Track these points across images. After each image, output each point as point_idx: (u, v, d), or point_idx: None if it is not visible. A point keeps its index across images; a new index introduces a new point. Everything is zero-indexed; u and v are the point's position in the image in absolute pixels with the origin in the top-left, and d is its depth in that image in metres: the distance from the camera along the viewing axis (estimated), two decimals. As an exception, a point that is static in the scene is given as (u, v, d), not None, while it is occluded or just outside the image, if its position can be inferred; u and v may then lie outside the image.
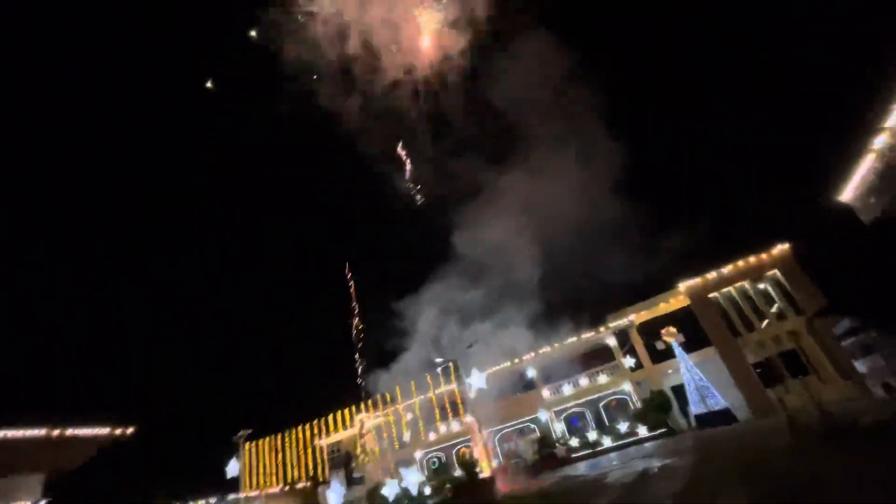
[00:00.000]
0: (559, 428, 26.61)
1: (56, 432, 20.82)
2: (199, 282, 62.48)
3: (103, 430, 22.52)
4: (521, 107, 42.01)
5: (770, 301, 23.46)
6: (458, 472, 25.46)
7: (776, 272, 22.84)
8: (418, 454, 29.92)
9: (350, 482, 18.90)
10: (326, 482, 28.51)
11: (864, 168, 13.37)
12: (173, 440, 41.32)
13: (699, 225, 44.54)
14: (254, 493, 29.12)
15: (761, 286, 23.53)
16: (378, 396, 30.20)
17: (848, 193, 14.97)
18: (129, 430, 23.39)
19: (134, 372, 53.06)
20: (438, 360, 25.69)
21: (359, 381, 32.69)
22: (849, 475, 6.10)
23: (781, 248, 22.69)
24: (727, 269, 23.74)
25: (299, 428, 31.48)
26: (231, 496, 29.11)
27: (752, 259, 23.33)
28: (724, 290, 23.87)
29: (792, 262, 22.51)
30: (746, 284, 23.51)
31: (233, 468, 15.97)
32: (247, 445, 24.61)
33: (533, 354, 28.32)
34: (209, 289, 64.09)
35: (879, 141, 12.17)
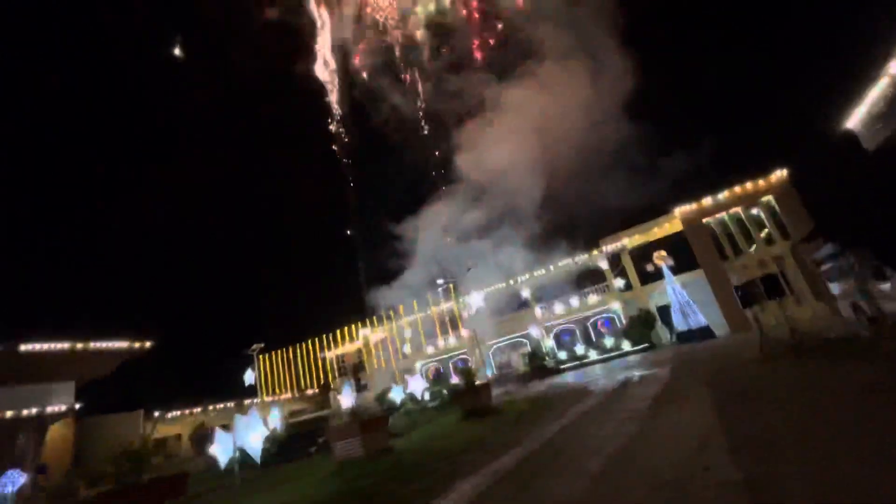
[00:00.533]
0: (549, 343, 28.57)
1: (80, 346, 22.41)
2: (213, 202, 62.28)
3: (123, 344, 24.20)
4: (529, 14, 39.09)
5: (761, 226, 24.05)
6: (455, 381, 27.91)
7: (770, 198, 23.15)
8: (418, 364, 32.37)
9: (358, 389, 20.90)
10: (335, 389, 31.23)
11: (875, 94, 13.07)
12: (191, 353, 44.03)
13: (699, 149, 43.77)
14: (269, 399, 31.98)
15: (754, 212, 23.96)
16: (382, 312, 31.95)
17: (854, 120, 14.75)
18: (147, 344, 25.17)
19: (151, 290, 54.80)
20: (440, 280, 26.75)
21: (364, 298, 34.12)
22: (803, 379, 6.96)
23: (779, 174, 22.77)
24: (723, 195, 23.98)
25: (308, 342, 33.65)
26: (247, 401, 31.99)
27: (748, 185, 23.48)
28: (718, 215, 24.33)
29: (788, 188, 22.74)
30: (740, 210, 23.92)
31: (249, 377, 17.42)
32: (260, 358, 26.46)
33: (528, 276, 29.48)
34: (223, 208, 64.04)
35: (895, 66, 11.79)
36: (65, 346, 21.52)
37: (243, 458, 6.31)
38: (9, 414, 19.34)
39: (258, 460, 6.52)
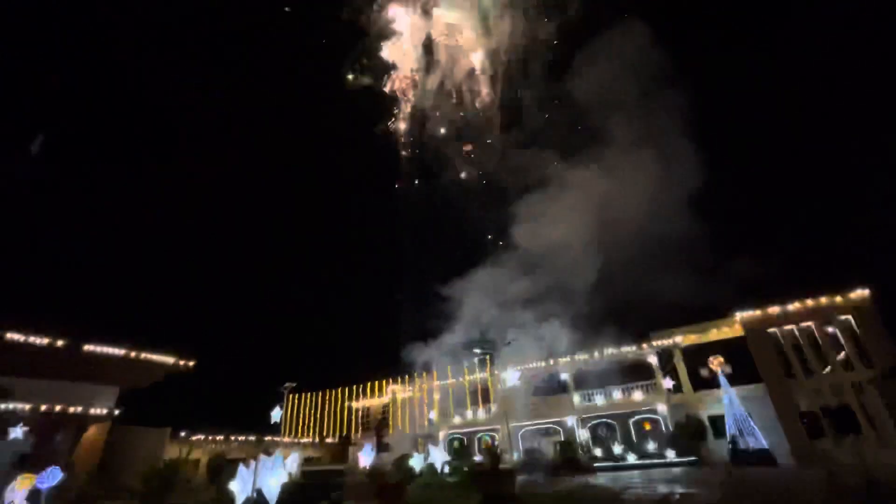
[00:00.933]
0: (584, 436, 26.56)
1: (133, 354, 23.86)
2: (278, 243, 67.32)
3: (169, 359, 25.47)
4: (602, 101, 40.72)
5: (837, 347, 21.86)
6: (478, 458, 26.30)
7: (850, 317, 21.23)
8: (442, 433, 31.03)
9: (380, 448, 20.25)
10: (354, 443, 30.46)
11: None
12: (221, 380, 45.40)
13: (770, 255, 41.60)
14: (287, 440, 31.70)
15: (829, 330, 21.94)
16: (414, 372, 31.55)
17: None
18: (191, 363, 26.34)
19: (203, 316, 58.51)
20: (476, 350, 26.29)
21: (399, 354, 34.05)
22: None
23: (860, 293, 21.01)
24: (793, 306, 22.34)
25: (338, 390, 33.69)
26: (267, 438, 31.92)
27: (823, 300, 21.79)
28: (787, 327, 22.50)
29: (870, 309, 20.83)
30: (813, 325, 22.02)
31: (276, 414, 17.59)
32: (290, 397, 26.69)
33: (570, 359, 28.22)
34: (285, 249, 68.87)
35: None
36: (120, 352, 23.02)
37: (259, 499, 6.32)
38: (58, 407, 20.54)
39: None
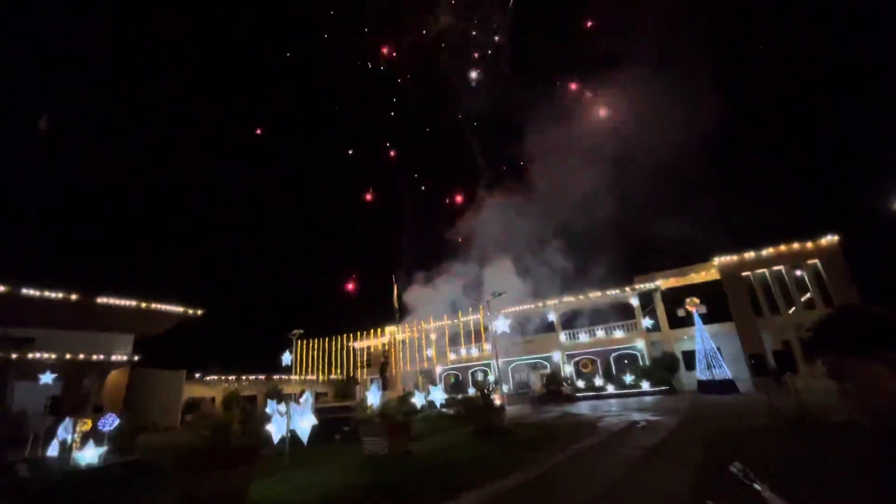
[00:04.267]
0: (569, 370, 29.06)
1: (143, 305, 25.14)
2: (285, 201, 67.51)
3: (178, 309, 26.82)
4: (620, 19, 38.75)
5: (803, 290, 23.62)
6: (471, 391, 28.92)
7: (817, 262, 22.75)
8: (438, 369, 33.61)
9: (384, 387, 22.33)
10: (359, 382, 33.03)
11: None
12: (236, 327, 47.72)
13: (756, 203, 42.70)
14: (296, 377, 34.23)
15: (798, 273, 23.57)
16: (411, 315, 33.48)
17: (908, 202, 14.70)
18: (199, 312, 27.74)
19: (216, 267, 60.02)
20: (472, 300, 27.85)
21: (395, 303, 35.69)
22: (799, 456, 7.56)
23: (829, 239, 22.37)
24: (767, 251, 23.76)
25: (342, 335, 35.89)
26: (276, 377, 34.41)
27: (795, 245, 23.18)
28: (759, 270, 24.09)
29: (837, 255, 22.29)
30: (783, 269, 23.61)
31: (286, 358, 19.24)
32: (298, 342, 28.53)
33: (557, 301, 30.07)
34: (291, 206, 69.27)
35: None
36: (132, 303, 24.26)
37: (293, 437, 7.65)
38: (81, 356, 22.11)
39: (305, 442, 7.84)
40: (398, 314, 34.94)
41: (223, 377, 32.37)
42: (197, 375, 30.98)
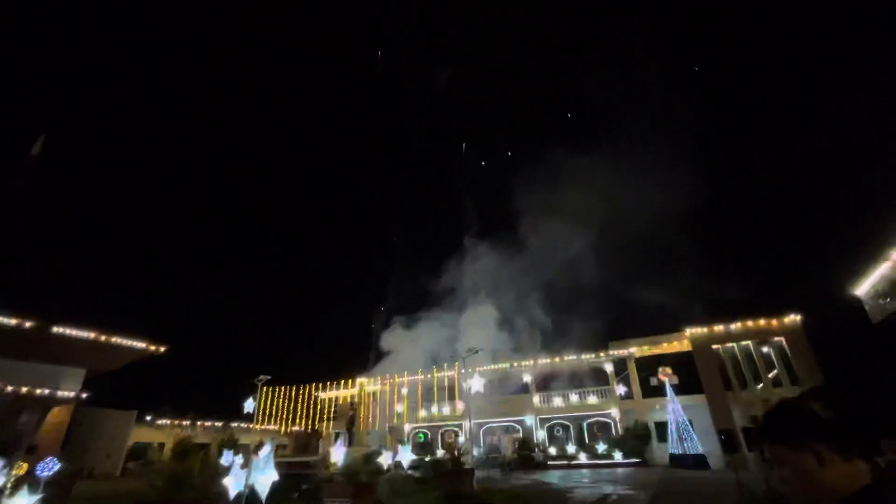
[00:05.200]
0: (541, 435, 28.31)
1: (103, 338, 23.83)
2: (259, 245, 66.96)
3: (140, 344, 25.50)
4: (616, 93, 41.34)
5: (770, 366, 24.22)
6: (440, 452, 27.68)
7: (782, 339, 23.54)
8: (407, 427, 32.24)
9: (350, 443, 21.13)
10: (322, 436, 31.29)
11: (880, 272, 14.08)
12: (198, 368, 45.42)
13: (724, 276, 44.72)
14: (258, 427, 32.25)
15: (765, 349, 24.27)
16: (382, 368, 32.56)
17: (862, 289, 15.67)
18: (162, 349, 26.38)
19: (181, 302, 58.04)
20: (448, 355, 27.56)
21: (370, 355, 34.83)
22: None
23: (792, 318, 23.32)
24: (735, 326, 24.53)
25: (310, 385, 34.43)
26: (234, 424, 32.34)
27: (761, 321, 24.04)
28: (729, 344, 24.71)
29: (800, 335, 23.17)
30: (751, 344, 24.29)
31: (249, 405, 18.31)
32: (264, 388, 27.25)
33: (532, 362, 29.87)
34: (267, 252, 68.63)
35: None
36: (90, 334, 22.96)
37: (251, 493, 7.12)
38: (24, 389, 20.48)
39: (262, 500, 7.30)
40: (373, 359, 34.00)
41: (176, 421, 30.21)
42: (148, 418, 28.86)
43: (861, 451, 1.11)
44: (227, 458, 8.93)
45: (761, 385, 23.92)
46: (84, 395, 23.18)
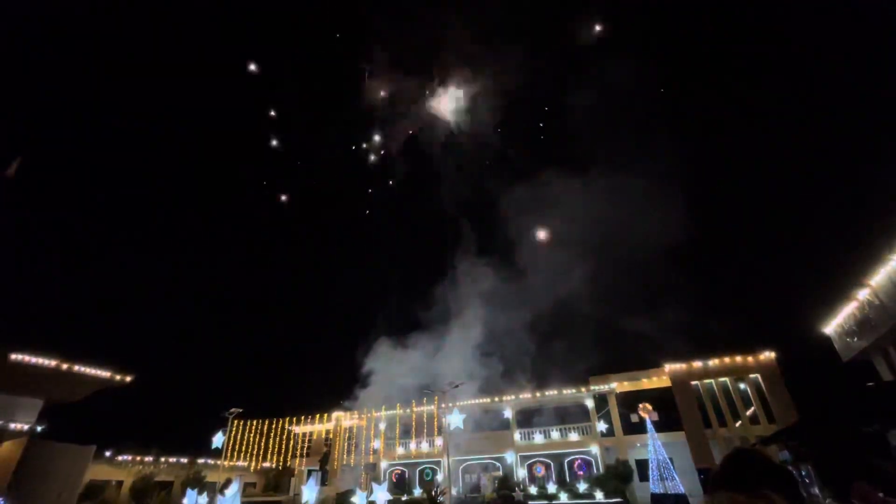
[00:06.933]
0: (521, 473, 27.57)
1: (65, 366, 22.63)
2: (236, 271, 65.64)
3: (105, 374, 24.29)
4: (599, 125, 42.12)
5: (748, 403, 24.42)
6: (418, 492, 26.64)
7: (758, 376, 23.88)
8: (384, 464, 31.04)
9: (323, 482, 20.16)
10: (295, 474, 29.84)
11: (846, 311, 14.59)
12: (165, 400, 43.21)
13: (703, 311, 45.55)
14: (227, 464, 30.55)
15: (742, 386, 24.53)
16: (360, 400, 31.52)
17: (831, 328, 16.16)
18: (128, 378, 25.14)
19: (153, 334, 55.93)
20: (426, 389, 27.02)
21: (349, 392, 33.77)
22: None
23: (767, 355, 23.77)
24: (713, 362, 24.82)
25: (283, 419, 32.94)
26: (200, 461, 30.56)
27: (738, 358, 24.40)
28: (707, 381, 24.91)
29: (774, 371, 23.57)
30: (728, 381, 24.54)
31: (218, 440, 17.49)
32: (234, 422, 26.03)
33: (513, 397, 29.44)
34: (246, 278, 67.38)
35: (862, 294, 13.42)
36: (52, 363, 21.75)
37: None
38: (-28, 421, 19.13)
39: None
40: (350, 393, 32.94)
41: (138, 458, 28.38)
42: (108, 454, 27.09)
43: (833, 495, 1.16)
44: (190, 497, 8.40)
45: (739, 423, 24.02)
46: (39, 428, 21.74)
